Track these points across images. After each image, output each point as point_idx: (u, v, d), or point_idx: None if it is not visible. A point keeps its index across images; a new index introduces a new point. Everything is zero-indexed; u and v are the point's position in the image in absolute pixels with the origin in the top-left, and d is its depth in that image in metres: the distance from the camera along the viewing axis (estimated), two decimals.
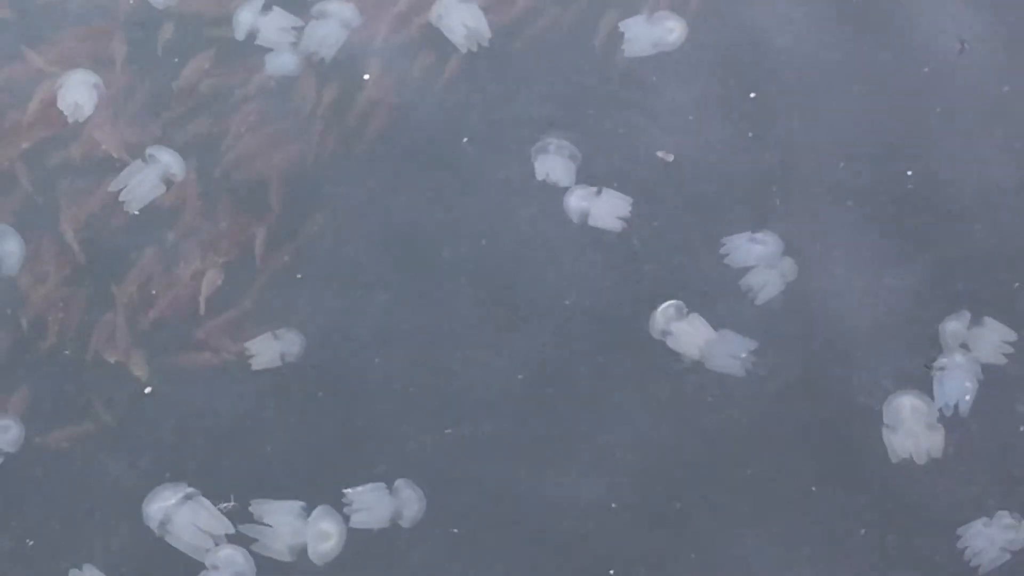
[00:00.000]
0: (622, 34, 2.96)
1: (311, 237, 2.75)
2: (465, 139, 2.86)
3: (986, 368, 2.60)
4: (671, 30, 2.94)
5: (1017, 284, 2.71)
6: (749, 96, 2.90)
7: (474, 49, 2.95)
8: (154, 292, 2.69)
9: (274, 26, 2.95)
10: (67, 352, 2.63)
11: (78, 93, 2.87)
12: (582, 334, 2.66)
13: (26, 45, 2.95)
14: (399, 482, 2.49)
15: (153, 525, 2.44)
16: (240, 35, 2.94)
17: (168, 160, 2.81)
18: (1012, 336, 2.62)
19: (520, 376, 2.61)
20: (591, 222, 2.76)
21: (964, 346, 2.62)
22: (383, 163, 2.85)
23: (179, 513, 2.44)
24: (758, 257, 2.72)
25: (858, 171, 2.84)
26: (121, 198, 2.78)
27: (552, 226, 2.77)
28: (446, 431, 2.56)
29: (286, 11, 2.97)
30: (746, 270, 2.71)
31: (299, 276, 2.71)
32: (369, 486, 2.48)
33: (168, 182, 2.80)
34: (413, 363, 2.63)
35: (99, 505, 2.50)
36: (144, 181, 2.79)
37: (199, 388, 2.60)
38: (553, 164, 2.82)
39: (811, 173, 2.84)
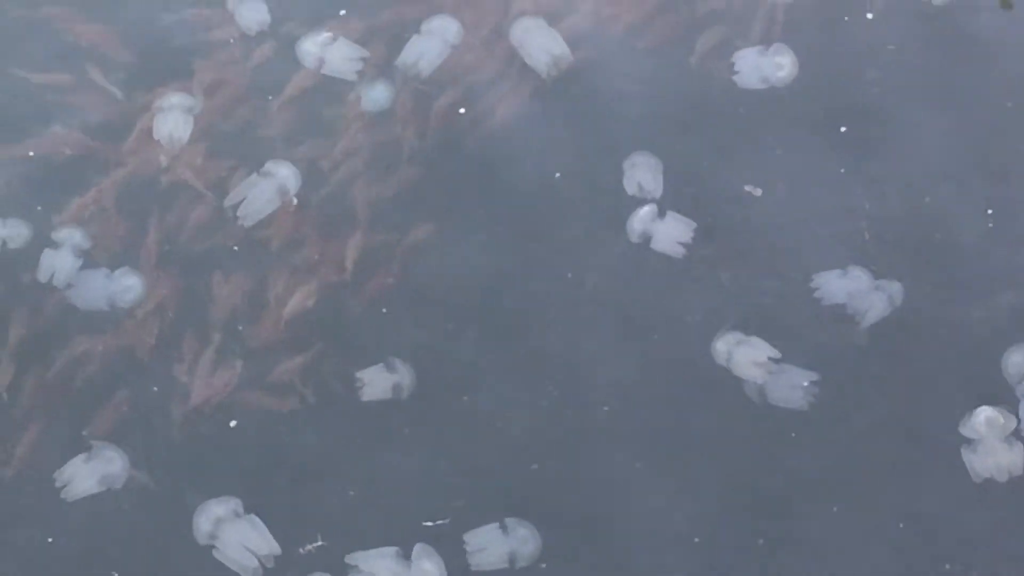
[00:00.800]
0: (731, 64, 2.98)
1: (401, 267, 2.77)
2: (557, 174, 2.88)
3: None
4: (781, 66, 2.95)
5: None
6: (840, 130, 2.90)
7: (554, 74, 2.98)
8: (241, 328, 2.71)
9: (340, 56, 2.98)
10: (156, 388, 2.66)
11: (173, 122, 2.89)
12: (665, 364, 2.66)
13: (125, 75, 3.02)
14: (511, 521, 2.48)
15: (201, 537, 2.46)
16: (309, 64, 2.98)
17: (284, 174, 2.83)
18: None
19: (605, 408, 2.62)
20: (653, 246, 2.76)
21: None
22: (472, 192, 2.87)
23: (229, 529, 2.45)
24: (849, 294, 2.70)
25: (944, 205, 2.82)
26: (239, 212, 2.79)
27: (638, 258, 2.78)
28: (532, 467, 2.56)
29: (351, 42, 3.00)
30: (839, 306, 2.70)
31: (384, 310, 2.73)
32: (484, 527, 2.47)
33: (283, 196, 2.80)
34: (503, 399, 2.64)
35: (182, 543, 2.50)
36: (260, 195, 2.81)
37: (283, 424, 2.60)
38: (644, 176, 2.84)
39: (899, 207, 2.82)
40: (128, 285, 2.74)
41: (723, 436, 2.58)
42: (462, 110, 2.95)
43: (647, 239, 2.76)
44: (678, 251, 2.75)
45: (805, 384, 2.59)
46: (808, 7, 3.07)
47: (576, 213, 2.84)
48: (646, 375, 2.65)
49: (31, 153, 2.90)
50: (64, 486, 2.51)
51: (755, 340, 2.64)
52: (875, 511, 2.50)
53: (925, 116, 2.93)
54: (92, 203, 2.81)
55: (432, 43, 2.99)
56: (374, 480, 2.54)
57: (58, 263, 2.73)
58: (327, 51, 2.98)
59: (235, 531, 2.45)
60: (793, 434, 2.58)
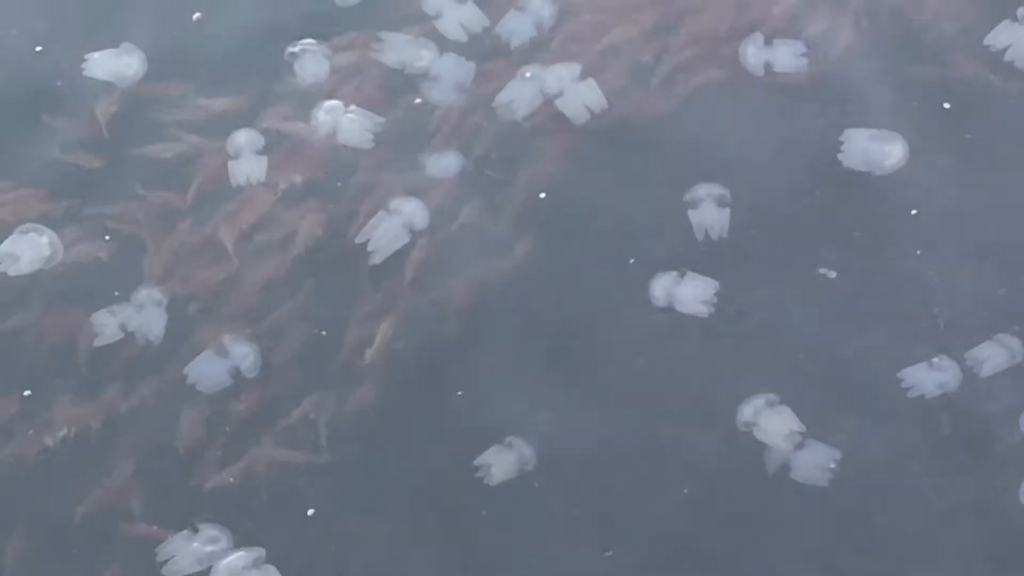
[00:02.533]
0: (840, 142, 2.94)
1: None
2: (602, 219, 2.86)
3: None
4: (890, 155, 2.91)
5: None
6: (911, 213, 2.87)
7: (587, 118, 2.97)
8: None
9: (353, 126, 2.95)
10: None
11: (248, 163, 2.90)
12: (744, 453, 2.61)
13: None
14: None
15: None
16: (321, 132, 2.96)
17: (411, 210, 2.83)
18: None
19: (686, 490, 2.56)
20: (678, 308, 2.74)
21: None
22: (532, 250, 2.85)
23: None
24: (940, 384, 2.66)
25: (1019, 296, 2.80)
26: (369, 248, 2.80)
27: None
28: (607, 554, 2.48)
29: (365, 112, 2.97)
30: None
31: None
32: None
33: (411, 232, 2.81)
34: (573, 483, 2.57)
35: None
36: (389, 231, 2.81)
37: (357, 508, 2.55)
38: (709, 215, 2.82)
39: (973, 295, 2.79)
40: (243, 352, 2.70)
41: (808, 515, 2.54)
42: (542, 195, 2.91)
43: (671, 304, 2.75)
44: (702, 310, 2.73)
45: (832, 465, 2.56)
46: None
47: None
48: (727, 459, 2.62)
49: None
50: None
51: (784, 408, 2.61)
52: None
53: (1000, 204, 2.91)
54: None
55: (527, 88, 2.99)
56: None
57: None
58: (340, 119, 2.95)
59: None
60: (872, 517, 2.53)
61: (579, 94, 2.98)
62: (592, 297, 2.80)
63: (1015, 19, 3.05)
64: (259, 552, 2.43)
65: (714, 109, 3.00)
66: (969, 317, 2.75)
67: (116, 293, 2.78)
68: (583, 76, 3.00)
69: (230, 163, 2.91)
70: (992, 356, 2.68)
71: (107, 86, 3.02)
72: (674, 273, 2.77)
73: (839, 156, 2.92)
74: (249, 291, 2.79)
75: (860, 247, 2.83)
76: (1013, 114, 2.99)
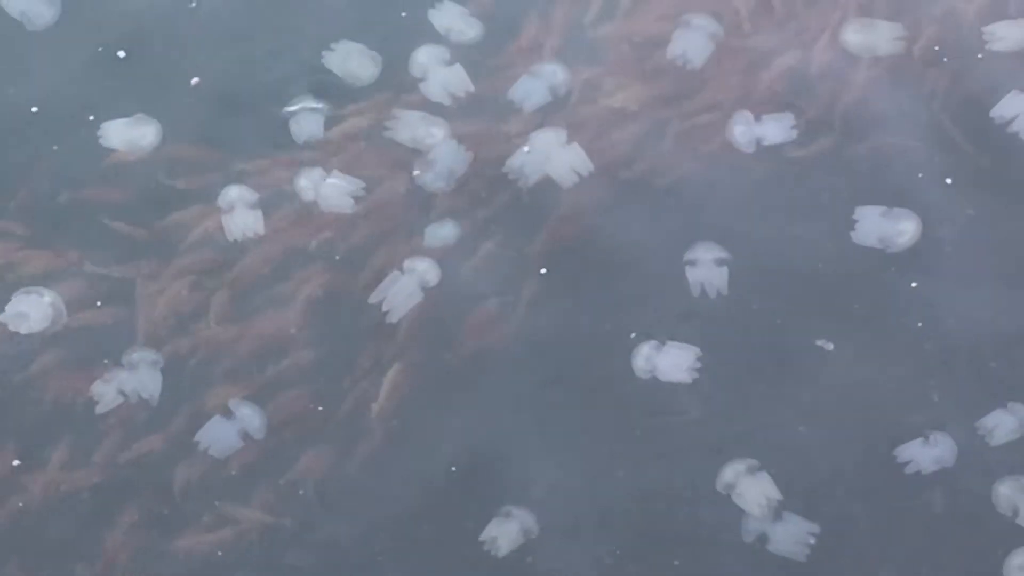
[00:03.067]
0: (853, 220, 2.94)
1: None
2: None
3: None
4: (903, 232, 2.90)
5: None
6: (911, 285, 2.87)
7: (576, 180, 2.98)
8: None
9: (333, 191, 2.97)
10: None
11: (243, 217, 2.94)
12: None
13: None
14: None
15: None
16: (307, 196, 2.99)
17: (424, 268, 2.88)
18: None
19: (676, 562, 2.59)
20: (660, 377, 2.76)
21: None
22: None
23: None
24: (936, 460, 2.67)
25: (1013, 366, 2.79)
26: (384, 308, 2.84)
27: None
28: None
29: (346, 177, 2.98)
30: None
31: None
32: None
33: (425, 289, 2.88)
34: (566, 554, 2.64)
35: None
36: (403, 289, 2.86)
37: None
38: (708, 274, 2.85)
39: (968, 367, 2.80)
40: (249, 414, 2.75)
41: None
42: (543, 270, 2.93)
43: (653, 374, 2.79)
44: (687, 377, 2.76)
45: (810, 539, 2.60)
46: None
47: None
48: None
49: None
50: None
51: (763, 475, 2.65)
52: None
53: (997, 274, 2.90)
54: None
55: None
56: None
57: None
58: (320, 185, 2.98)
59: None
60: None
61: (565, 158, 2.99)
62: (591, 366, 2.82)
63: (1022, 90, 3.04)
64: None
65: (723, 176, 3.01)
66: (964, 390, 2.76)
67: (107, 360, 2.82)
68: (570, 140, 3.02)
69: (224, 218, 2.94)
70: (1002, 424, 2.70)
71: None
72: (654, 342, 2.79)
73: (852, 233, 2.92)
74: (249, 349, 2.82)
75: (859, 319, 2.84)
76: (1015, 189, 2.99)
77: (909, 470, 2.67)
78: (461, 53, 3.11)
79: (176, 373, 2.79)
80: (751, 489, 2.65)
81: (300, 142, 3.03)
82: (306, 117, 3.06)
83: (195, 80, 3.12)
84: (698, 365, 2.77)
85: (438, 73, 3.09)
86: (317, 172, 2.99)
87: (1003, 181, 2.99)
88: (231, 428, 2.72)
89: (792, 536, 2.62)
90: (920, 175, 2.98)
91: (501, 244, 2.93)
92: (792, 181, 3.00)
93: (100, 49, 3.14)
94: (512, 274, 2.90)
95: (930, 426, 2.70)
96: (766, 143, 3.00)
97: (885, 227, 2.91)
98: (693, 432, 2.74)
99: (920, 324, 2.82)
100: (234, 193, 2.97)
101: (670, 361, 2.78)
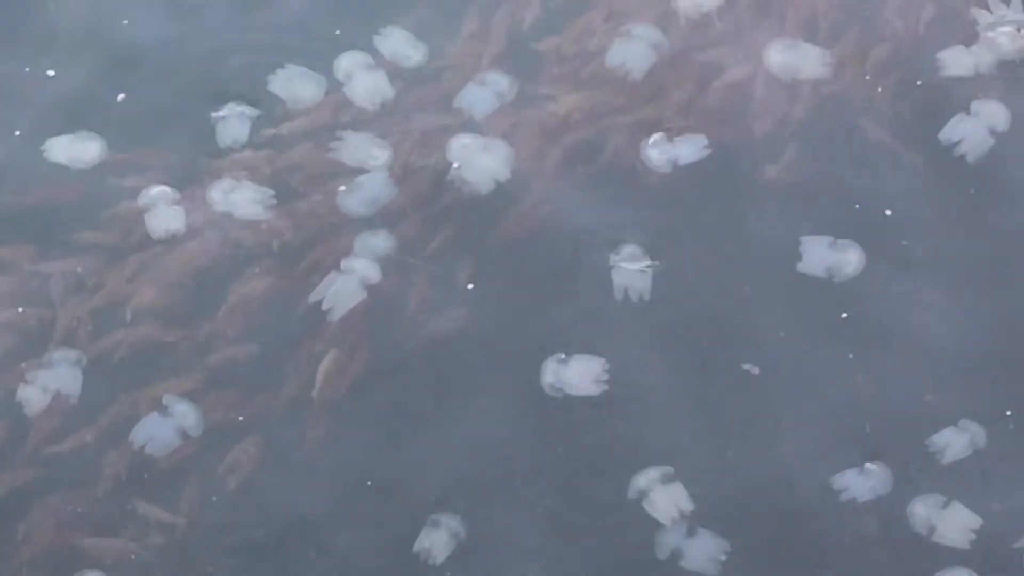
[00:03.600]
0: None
1: None
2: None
3: None
4: (848, 263, 2.94)
5: None
6: (841, 316, 2.90)
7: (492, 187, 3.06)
8: None
9: (244, 200, 3.00)
10: None
11: (165, 216, 2.99)
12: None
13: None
14: None
15: None
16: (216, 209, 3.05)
17: (363, 266, 2.94)
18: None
19: None
20: (569, 391, 2.81)
21: None
22: None
23: None
24: (872, 490, 2.71)
25: (948, 401, 2.82)
26: (324, 307, 2.89)
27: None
28: None
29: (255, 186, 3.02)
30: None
31: None
32: None
33: (368, 287, 2.93)
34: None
35: None
36: (344, 288, 2.91)
37: None
38: (631, 278, 2.90)
39: (903, 400, 2.83)
40: (184, 411, 2.79)
41: None
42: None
43: (562, 389, 2.84)
44: (596, 389, 2.82)
45: (722, 557, 2.66)
46: None
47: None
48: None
49: None
50: None
51: (677, 485, 2.72)
52: None
53: (935, 307, 2.93)
54: None
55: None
56: None
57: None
58: (230, 196, 3.03)
59: None
60: None
61: (484, 163, 3.04)
62: (518, 376, 2.87)
63: (968, 112, 3.08)
64: None
65: (657, 191, 3.06)
66: (895, 421, 2.80)
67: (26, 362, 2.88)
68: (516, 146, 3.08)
69: (146, 216, 2.99)
70: (953, 443, 2.76)
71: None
72: (560, 355, 2.84)
73: (798, 264, 2.96)
74: (184, 346, 2.87)
75: (788, 347, 2.87)
76: (953, 222, 3.02)
77: (844, 497, 2.71)
78: (409, 75, 3.19)
79: (102, 371, 2.84)
80: (663, 497, 2.70)
81: (223, 146, 3.09)
82: (232, 122, 3.11)
83: (121, 96, 3.21)
84: (606, 377, 2.82)
85: (363, 78, 3.15)
86: (227, 184, 3.05)
87: (941, 212, 3.02)
88: (168, 425, 2.76)
89: (704, 553, 2.67)
90: (857, 205, 3.02)
91: (436, 250, 2.98)
92: (728, 200, 3.04)
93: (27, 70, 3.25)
94: (444, 283, 2.96)
95: (863, 456, 2.75)
96: (681, 163, 3.04)
97: (830, 257, 2.96)
98: (614, 446, 2.79)
99: (851, 356, 2.85)
100: (154, 191, 3.01)
101: (577, 374, 2.83)
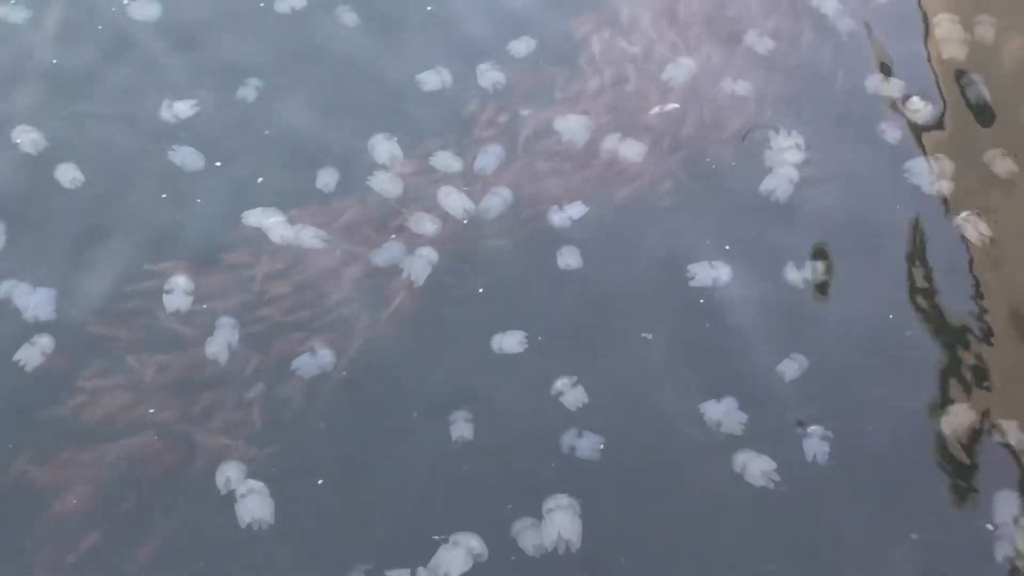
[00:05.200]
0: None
1: None
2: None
3: None
4: (722, 276, 4.11)
5: None
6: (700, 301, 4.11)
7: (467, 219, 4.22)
8: None
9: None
10: None
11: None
12: None
13: None
14: None
15: None
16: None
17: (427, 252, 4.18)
18: None
19: None
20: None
21: None
22: None
23: None
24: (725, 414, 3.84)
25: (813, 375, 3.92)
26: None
27: None
28: None
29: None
30: None
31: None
32: None
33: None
34: None
35: None
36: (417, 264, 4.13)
37: None
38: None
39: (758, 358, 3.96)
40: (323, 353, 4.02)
41: None
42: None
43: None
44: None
45: (601, 447, 3.77)
46: None
47: None
48: None
49: None
50: None
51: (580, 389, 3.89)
52: None
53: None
54: None
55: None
56: None
57: None
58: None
59: None
60: None
61: (459, 200, 4.25)
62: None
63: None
64: None
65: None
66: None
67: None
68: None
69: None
70: (789, 368, 3.90)
71: None
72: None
73: (690, 281, 4.12)
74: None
75: (675, 324, 4.04)
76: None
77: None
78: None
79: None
80: (571, 396, 3.82)
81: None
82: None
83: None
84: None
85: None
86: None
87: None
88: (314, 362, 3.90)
89: (590, 446, 3.72)
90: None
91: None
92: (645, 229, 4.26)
93: None
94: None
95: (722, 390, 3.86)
96: (575, 219, 4.24)
97: (712, 273, 4.12)
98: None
99: (708, 325, 4.04)
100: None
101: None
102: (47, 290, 4.02)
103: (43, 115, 4.46)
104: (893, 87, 4.64)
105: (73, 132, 4.42)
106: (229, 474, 3.68)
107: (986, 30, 4.79)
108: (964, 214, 4.30)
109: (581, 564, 3.58)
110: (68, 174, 4.29)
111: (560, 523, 3.60)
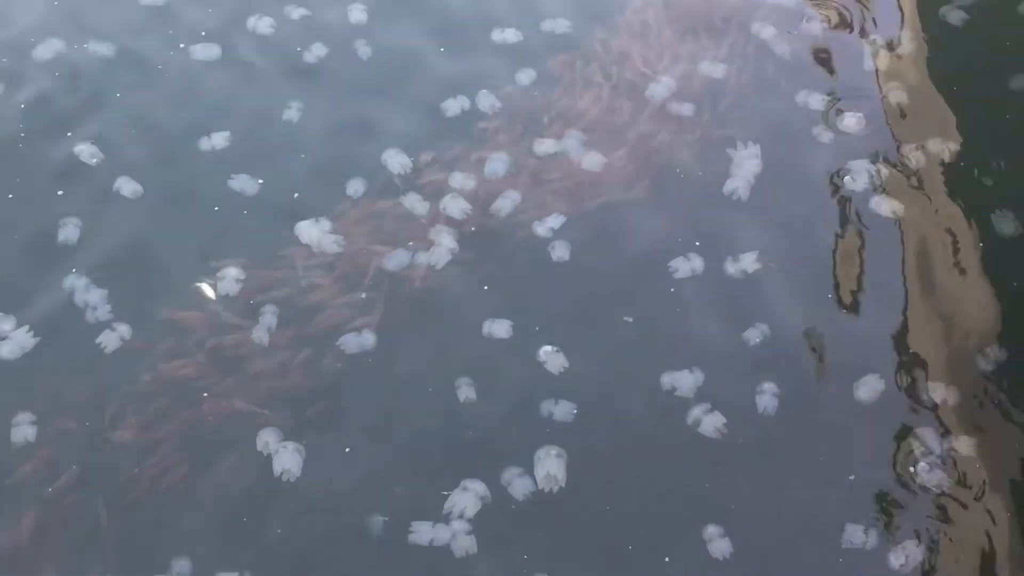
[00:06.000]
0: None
1: None
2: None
3: None
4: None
5: None
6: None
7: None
8: None
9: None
10: None
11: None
12: None
13: None
14: None
15: None
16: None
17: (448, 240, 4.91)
18: None
19: None
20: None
21: None
22: None
23: None
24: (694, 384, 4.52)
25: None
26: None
27: None
28: None
29: None
30: None
31: None
32: None
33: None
34: None
35: None
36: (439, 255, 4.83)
37: None
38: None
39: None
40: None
41: None
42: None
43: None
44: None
45: (574, 411, 4.49)
46: None
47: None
48: None
49: None
50: None
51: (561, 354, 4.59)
52: None
53: None
54: None
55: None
56: None
57: None
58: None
59: None
60: None
61: (458, 204, 4.95)
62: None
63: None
64: None
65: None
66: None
67: None
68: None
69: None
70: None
71: None
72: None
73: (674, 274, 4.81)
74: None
75: (651, 310, 4.72)
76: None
77: (676, 393, 4.45)
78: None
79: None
80: (553, 359, 4.48)
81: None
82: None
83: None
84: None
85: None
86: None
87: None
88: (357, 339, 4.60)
89: (565, 411, 4.37)
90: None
91: None
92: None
93: None
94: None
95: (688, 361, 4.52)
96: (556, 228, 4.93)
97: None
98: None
99: (678, 311, 4.80)
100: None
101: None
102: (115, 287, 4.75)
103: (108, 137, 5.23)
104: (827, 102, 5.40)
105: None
106: (267, 438, 4.38)
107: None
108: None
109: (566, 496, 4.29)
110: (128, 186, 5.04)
111: (548, 466, 4.34)
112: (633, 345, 4.64)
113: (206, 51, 5.50)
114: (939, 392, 4.54)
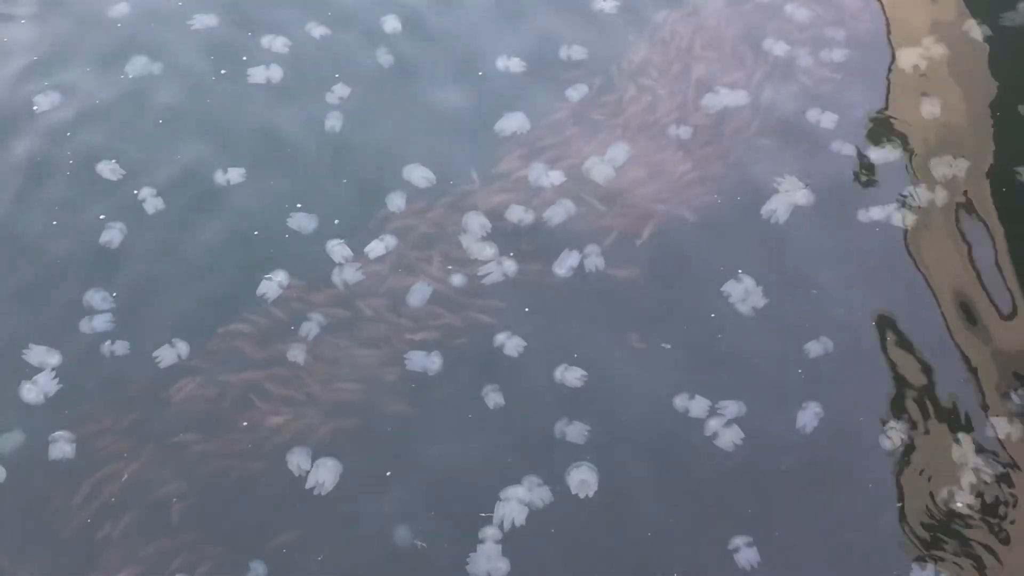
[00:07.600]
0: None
1: None
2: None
3: None
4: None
5: None
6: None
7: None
8: None
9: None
10: None
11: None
12: None
13: None
14: None
15: None
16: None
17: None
18: None
19: None
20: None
21: None
22: None
23: None
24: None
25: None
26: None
27: None
28: None
29: None
30: None
31: None
32: None
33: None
34: None
35: None
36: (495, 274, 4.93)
37: None
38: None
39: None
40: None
41: None
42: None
43: None
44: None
45: (586, 432, 4.54)
46: None
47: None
48: None
49: None
50: None
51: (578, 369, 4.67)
52: None
53: None
54: None
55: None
56: None
57: None
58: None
59: None
60: None
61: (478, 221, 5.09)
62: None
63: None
64: None
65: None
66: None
67: None
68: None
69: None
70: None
71: None
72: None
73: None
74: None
75: (661, 330, 4.79)
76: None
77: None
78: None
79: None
80: (570, 375, 4.61)
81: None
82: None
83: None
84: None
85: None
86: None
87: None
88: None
89: (577, 432, 4.48)
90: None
91: None
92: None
93: None
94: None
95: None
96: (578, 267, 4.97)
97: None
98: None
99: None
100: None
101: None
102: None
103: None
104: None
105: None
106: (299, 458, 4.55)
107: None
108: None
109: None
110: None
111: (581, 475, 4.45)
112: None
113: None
114: (1002, 427, 4.54)
